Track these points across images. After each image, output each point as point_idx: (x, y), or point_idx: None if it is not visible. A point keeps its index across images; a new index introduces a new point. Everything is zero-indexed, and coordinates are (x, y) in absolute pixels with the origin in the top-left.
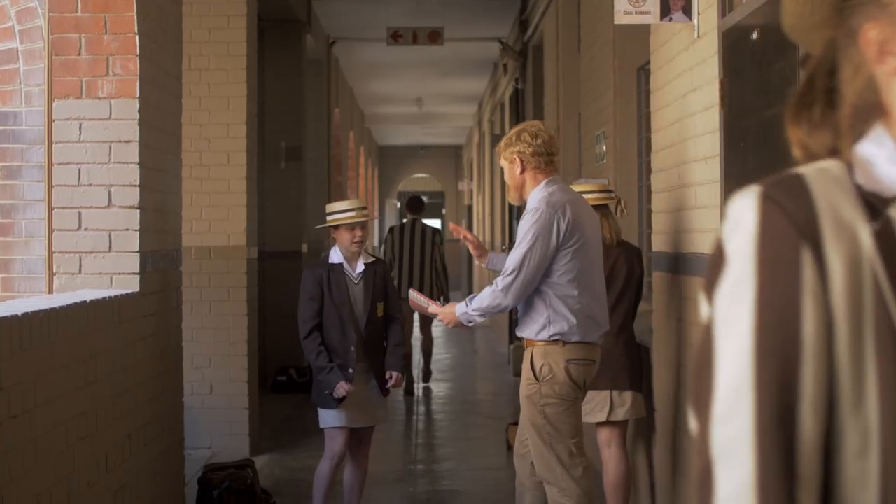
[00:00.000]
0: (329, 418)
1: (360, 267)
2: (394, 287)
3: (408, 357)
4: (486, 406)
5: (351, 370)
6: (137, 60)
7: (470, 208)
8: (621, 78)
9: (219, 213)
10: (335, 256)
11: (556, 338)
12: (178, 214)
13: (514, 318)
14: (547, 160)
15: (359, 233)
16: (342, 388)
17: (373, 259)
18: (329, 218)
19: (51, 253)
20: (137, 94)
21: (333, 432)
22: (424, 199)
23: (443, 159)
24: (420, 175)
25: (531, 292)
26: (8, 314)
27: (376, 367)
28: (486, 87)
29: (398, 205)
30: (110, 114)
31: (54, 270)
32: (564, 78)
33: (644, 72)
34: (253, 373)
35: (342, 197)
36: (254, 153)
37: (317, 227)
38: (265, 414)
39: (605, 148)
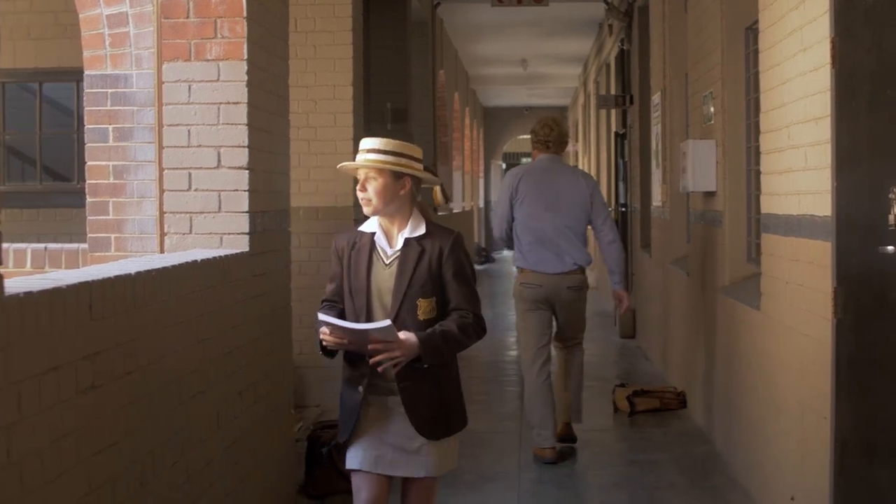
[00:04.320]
0: (350, 456)
1: (400, 242)
2: (466, 274)
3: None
4: (590, 367)
5: (361, 388)
6: (245, 23)
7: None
8: (729, 38)
9: (326, 174)
10: (371, 223)
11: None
12: (286, 175)
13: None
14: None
15: (358, 189)
16: (324, 334)
17: (431, 229)
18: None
19: (162, 213)
20: (245, 56)
21: (356, 478)
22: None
23: None
24: (525, 136)
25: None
26: (121, 273)
27: (414, 394)
28: (590, 47)
29: (503, 166)
30: (219, 76)
31: (165, 230)
32: (671, 38)
33: (752, 31)
34: None
35: (448, 159)
36: (360, 114)
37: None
38: None
39: (712, 109)
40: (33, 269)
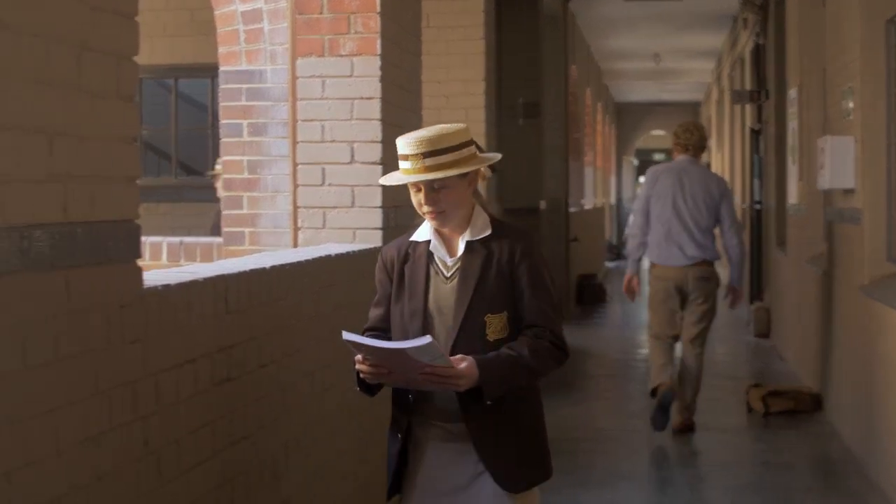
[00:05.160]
0: None
1: (461, 248)
2: (544, 283)
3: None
4: (724, 367)
5: (400, 435)
6: (378, 18)
7: (708, 166)
8: (869, 31)
9: None
10: (424, 229)
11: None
12: None
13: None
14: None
15: (426, 202)
16: (358, 363)
17: (498, 228)
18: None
19: (295, 208)
20: (378, 52)
21: None
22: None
23: (680, 116)
24: (657, 132)
25: None
26: (257, 267)
27: (482, 432)
28: (724, 42)
29: (635, 163)
30: (352, 71)
31: (299, 225)
32: (808, 31)
33: (893, 24)
34: None
35: (579, 155)
36: (492, 110)
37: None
38: None
39: (851, 104)
40: (169, 263)
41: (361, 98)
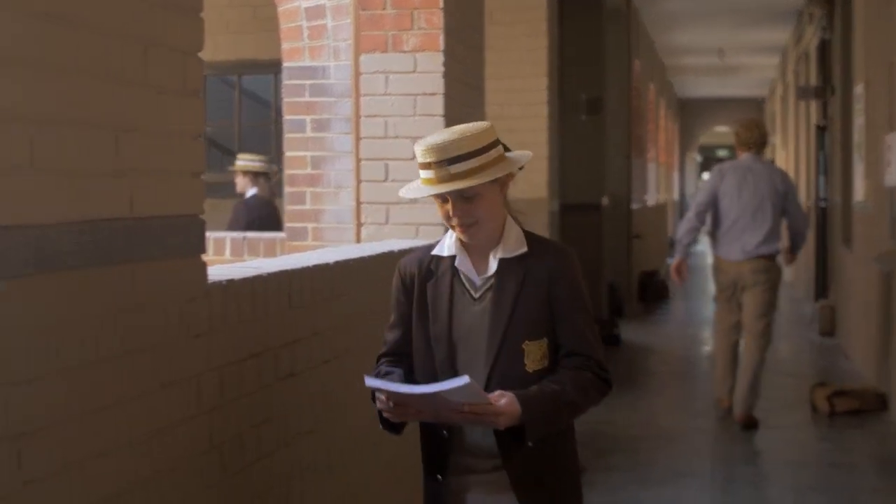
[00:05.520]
0: None
1: (493, 266)
2: (585, 307)
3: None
4: (787, 365)
5: (440, 476)
6: (441, 14)
7: (772, 161)
8: None
9: None
10: (448, 241)
11: None
12: None
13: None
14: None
15: (455, 214)
16: (381, 403)
17: (533, 244)
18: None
19: (359, 203)
20: (442, 48)
21: None
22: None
23: (744, 112)
24: (721, 128)
25: None
26: (320, 263)
27: (525, 485)
28: (789, 37)
29: (698, 159)
30: (415, 67)
31: (362, 221)
32: (875, 27)
33: None
34: None
35: (642, 151)
36: (554, 105)
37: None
38: None
39: None
40: (232, 258)
41: (424, 94)
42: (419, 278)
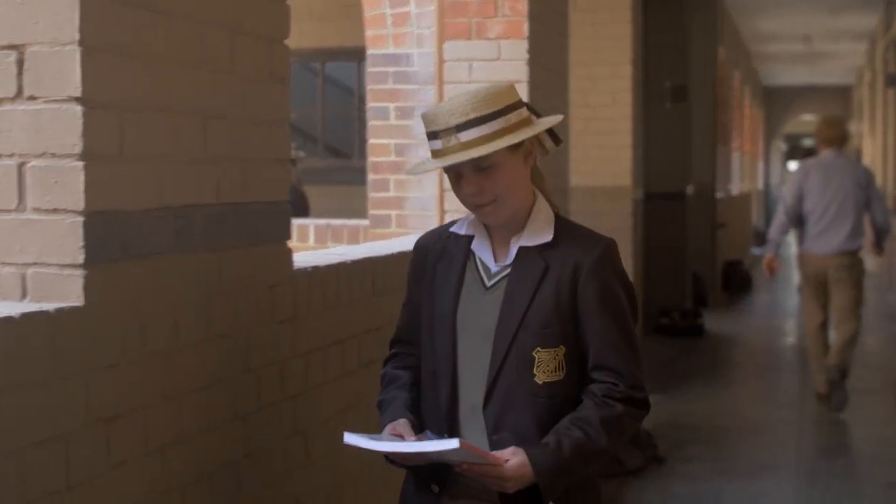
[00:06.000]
0: None
1: (512, 253)
2: (621, 312)
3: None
4: (874, 358)
5: (435, 485)
6: (526, 1)
7: (858, 154)
8: None
9: (604, 154)
10: (467, 220)
11: None
12: (565, 155)
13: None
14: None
15: (468, 189)
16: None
17: (561, 231)
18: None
19: (442, 191)
20: (526, 35)
21: None
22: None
23: (830, 100)
24: (807, 117)
25: None
26: (404, 250)
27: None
28: (877, 24)
29: (784, 148)
30: (499, 54)
31: (446, 208)
32: None
33: None
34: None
35: (727, 139)
36: (639, 93)
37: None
38: (648, 356)
39: None
40: (316, 245)
41: (508, 81)
42: (434, 255)
